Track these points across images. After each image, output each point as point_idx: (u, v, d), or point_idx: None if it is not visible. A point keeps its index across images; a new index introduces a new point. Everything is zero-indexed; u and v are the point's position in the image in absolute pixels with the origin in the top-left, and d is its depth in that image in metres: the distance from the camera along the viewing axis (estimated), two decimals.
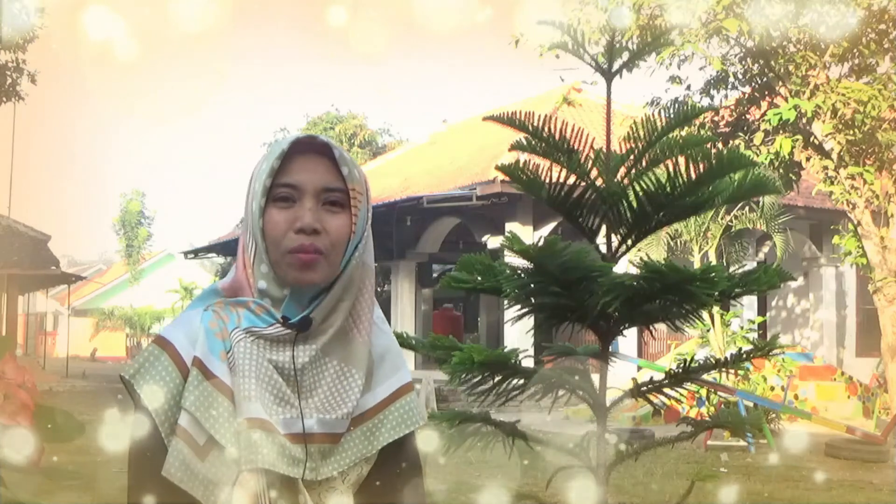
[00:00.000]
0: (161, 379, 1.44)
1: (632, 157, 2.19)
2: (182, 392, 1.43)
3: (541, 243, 2.04)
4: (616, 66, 2.33)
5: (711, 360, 2.32)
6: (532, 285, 2.15)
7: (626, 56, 2.32)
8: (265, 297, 1.50)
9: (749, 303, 18.75)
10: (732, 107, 13.46)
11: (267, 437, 1.43)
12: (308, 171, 1.49)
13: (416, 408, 1.60)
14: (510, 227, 17.85)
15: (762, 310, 21.26)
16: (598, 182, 2.21)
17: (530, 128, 2.21)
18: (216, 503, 1.41)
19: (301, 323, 1.48)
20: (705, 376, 2.35)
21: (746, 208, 15.60)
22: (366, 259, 1.55)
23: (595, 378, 2.30)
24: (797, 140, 11.89)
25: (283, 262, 1.48)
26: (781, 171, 12.28)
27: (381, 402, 1.56)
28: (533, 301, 2.21)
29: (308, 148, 1.50)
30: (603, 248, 2.28)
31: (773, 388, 14.57)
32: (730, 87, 13.20)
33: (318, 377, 1.50)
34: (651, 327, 2.29)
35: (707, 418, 2.67)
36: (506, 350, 2.24)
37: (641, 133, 2.18)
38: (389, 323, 1.65)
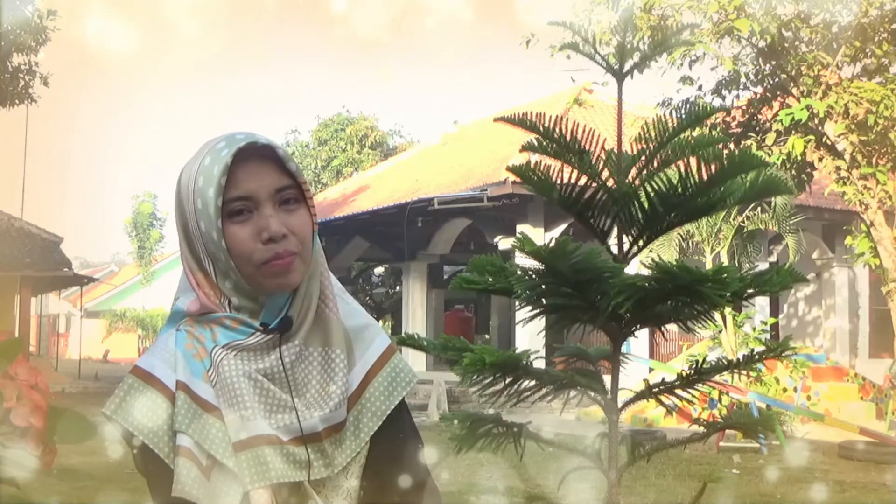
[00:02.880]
0: (149, 410, 1.41)
1: (643, 157, 2.19)
2: (172, 417, 1.40)
3: (552, 244, 2.04)
4: (627, 66, 2.32)
5: (724, 361, 2.31)
6: (543, 286, 2.14)
7: (637, 56, 2.32)
8: (239, 310, 1.47)
9: (761, 304, 18.68)
10: (744, 107, 13.41)
11: (273, 451, 1.41)
12: (257, 177, 1.44)
13: (405, 368, 1.58)
14: (521, 228, 17.81)
15: (774, 311, 21.16)
16: (610, 183, 2.20)
17: (541, 129, 2.21)
18: None
19: (282, 325, 1.46)
20: (717, 378, 2.34)
21: (758, 209, 15.54)
22: (317, 241, 1.52)
23: (607, 379, 2.29)
24: (809, 140, 11.84)
25: (258, 275, 1.44)
26: (794, 171, 12.24)
27: (369, 372, 1.54)
28: (544, 302, 2.21)
29: (248, 154, 1.44)
30: (614, 249, 2.28)
31: (785, 390, 14.51)
32: (741, 87, 13.15)
33: (308, 369, 1.48)
34: (663, 328, 2.28)
35: (719, 420, 2.66)
36: (517, 351, 2.24)
37: (653, 134, 2.18)
38: (400, 324, 1.65)
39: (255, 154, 1.44)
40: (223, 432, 1.40)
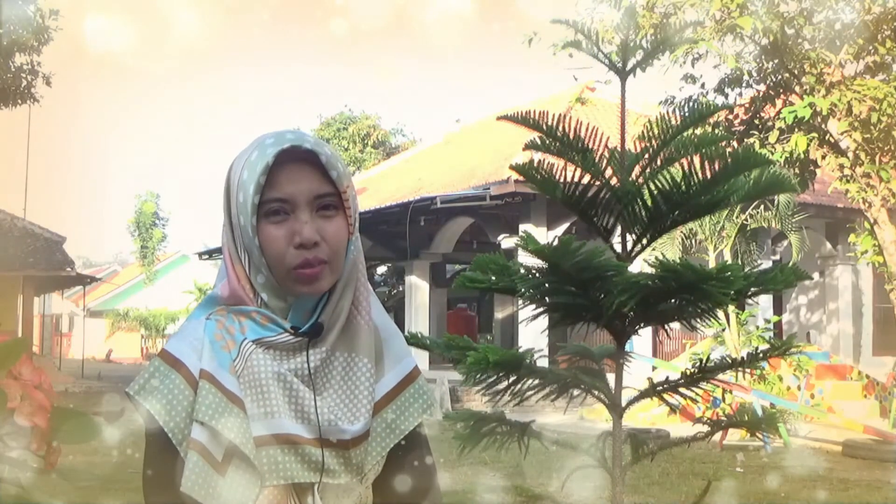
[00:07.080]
0: (171, 394, 1.40)
1: (646, 155, 2.19)
2: (193, 406, 1.39)
3: (556, 243, 2.03)
4: (630, 64, 2.32)
5: (727, 359, 2.31)
6: (547, 285, 2.14)
7: (640, 54, 2.31)
8: (269, 307, 1.48)
9: (764, 303, 18.66)
10: (747, 105, 13.38)
11: (292, 449, 1.42)
12: (297, 181, 1.44)
13: (429, 392, 1.60)
14: (524, 227, 17.84)
15: (778, 309, 21.14)
16: (613, 181, 2.20)
17: (544, 127, 2.20)
18: None
19: (312, 330, 1.46)
20: (721, 376, 2.33)
21: (762, 207, 15.53)
22: (359, 247, 1.53)
23: (610, 378, 2.29)
24: (812, 138, 11.82)
25: (288, 278, 1.45)
26: (797, 169, 12.22)
27: (394, 388, 1.55)
28: (547, 301, 2.20)
29: (293, 156, 1.44)
30: (618, 248, 2.27)
31: (788, 388, 14.50)
32: (744, 85, 13.13)
33: (328, 374, 1.48)
34: (666, 326, 2.28)
35: (723, 418, 2.66)
36: (521, 350, 2.23)
37: (656, 132, 2.17)
38: (403, 323, 1.65)
39: (299, 157, 1.44)
40: (246, 424, 1.40)
